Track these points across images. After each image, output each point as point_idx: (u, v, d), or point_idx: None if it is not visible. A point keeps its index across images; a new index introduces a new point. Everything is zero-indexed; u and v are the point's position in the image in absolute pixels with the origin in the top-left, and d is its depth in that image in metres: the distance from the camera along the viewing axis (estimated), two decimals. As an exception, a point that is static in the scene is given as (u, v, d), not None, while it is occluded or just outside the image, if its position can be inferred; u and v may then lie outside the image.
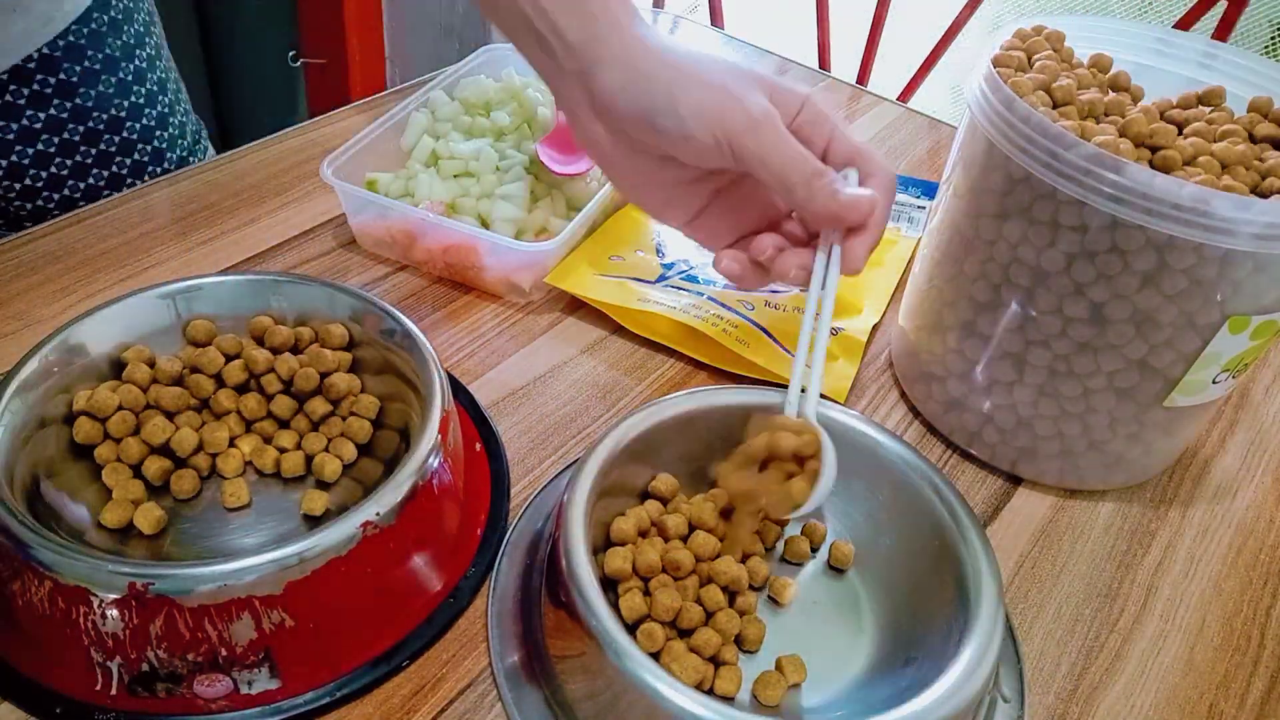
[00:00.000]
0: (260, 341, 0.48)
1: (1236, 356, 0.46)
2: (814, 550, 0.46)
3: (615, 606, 0.40)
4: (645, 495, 0.46)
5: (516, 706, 0.40)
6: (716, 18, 1.17)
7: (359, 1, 1.60)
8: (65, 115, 0.66)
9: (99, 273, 0.59)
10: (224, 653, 0.38)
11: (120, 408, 0.44)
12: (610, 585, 0.42)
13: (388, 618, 0.42)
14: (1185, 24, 0.99)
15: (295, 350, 0.48)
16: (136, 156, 0.71)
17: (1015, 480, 0.54)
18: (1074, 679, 0.45)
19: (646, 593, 0.41)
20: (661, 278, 0.62)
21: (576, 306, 0.61)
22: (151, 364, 0.46)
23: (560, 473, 0.50)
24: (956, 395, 0.53)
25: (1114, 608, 0.48)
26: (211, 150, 0.81)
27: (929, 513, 0.44)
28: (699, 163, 0.42)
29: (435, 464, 0.43)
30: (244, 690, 0.39)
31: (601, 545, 0.43)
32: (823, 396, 0.52)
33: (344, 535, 0.39)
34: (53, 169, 0.67)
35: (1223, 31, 0.98)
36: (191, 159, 0.77)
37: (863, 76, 1.14)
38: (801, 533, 0.46)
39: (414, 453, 0.42)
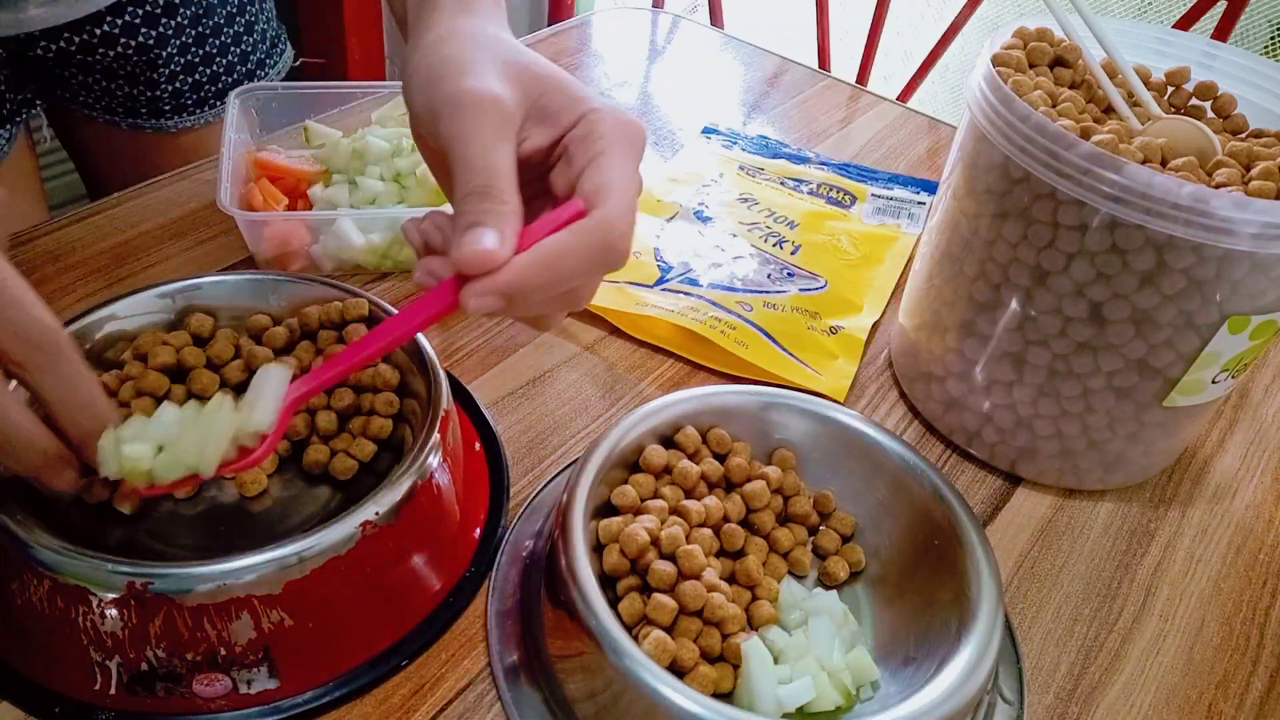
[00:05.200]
0: (259, 339, 0.48)
1: (1236, 356, 0.46)
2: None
3: (615, 606, 0.40)
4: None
5: (515, 706, 0.40)
6: (716, 18, 1.17)
7: (359, 1, 1.60)
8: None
9: (98, 272, 0.59)
10: (223, 652, 0.38)
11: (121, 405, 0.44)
12: (610, 584, 0.42)
13: (387, 617, 0.42)
14: (1185, 24, 0.99)
15: (311, 335, 0.48)
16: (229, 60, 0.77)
17: (1015, 480, 0.54)
18: (1073, 679, 0.45)
19: (644, 589, 0.41)
20: (660, 281, 0.62)
21: (576, 306, 0.61)
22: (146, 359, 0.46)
23: (560, 472, 0.50)
24: (956, 395, 0.53)
25: (1113, 607, 0.48)
26: (290, 52, 0.86)
27: (928, 512, 0.44)
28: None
29: (435, 464, 0.43)
30: (243, 690, 0.39)
31: (603, 513, 0.43)
32: (823, 396, 0.52)
33: (343, 535, 0.39)
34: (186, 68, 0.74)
35: (1223, 31, 0.98)
36: (269, 62, 0.82)
37: (863, 76, 1.14)
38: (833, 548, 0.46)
39: (413, 453, 0.42)
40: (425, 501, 0.42)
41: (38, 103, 0.74)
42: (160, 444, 0.37)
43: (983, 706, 0.41)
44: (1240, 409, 0.61)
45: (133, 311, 0.47)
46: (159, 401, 0.44)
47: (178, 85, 0.74)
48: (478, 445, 0.50)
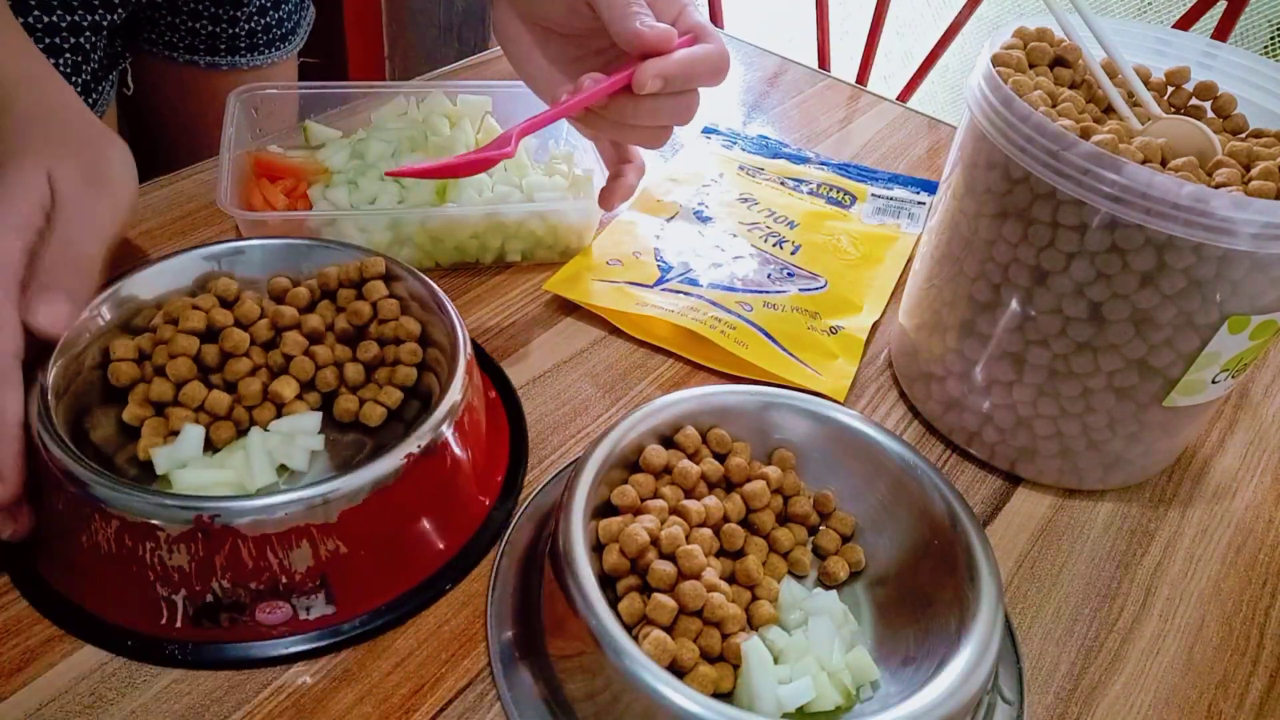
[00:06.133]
0: (281, 300, 0.50)
1: (1236, 356, 0.46)
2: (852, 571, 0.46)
3: (615, 606, 0.40)
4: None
5: (515, 706, 0.40)
6: (716, 18, 1.17)
7: (359, 1, 1.60)
8: None
9: (98, 272, 0.59)
10: (284, 580, 0.40)
11: (158, 369, 0.46)
12: (610, 584, 0.42)
13: (430, 545, 0.45)
14: (1185, 24, 0.99)
15: (331, 294, 0.51)
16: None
17: (1014, 480, 0.54)
18: (1073, 679, 0.45)
19: (644, 589, 0.41)
20: (660, 281, 0.62)
21: (575, 306, 0.61)
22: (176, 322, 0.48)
23: (560, 472, 0.50)
24: (956, 395, 0.53)
25: (1113, 607, 0.48)
26: (313, 11, 0.90)
27: (928, 512, 0.44)
28: (569, 25, 0.53)
29: (465, 402, 0.46)
30: (302, 616, 0.41)
31: (603, 514, 0.43)
32: (822, 396, 0.52)
33: (391, 467, 0.41)
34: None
35: (1223, 31, 0.98)
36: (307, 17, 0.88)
37: (863, 76, 1.14)
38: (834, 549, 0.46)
39: (448, 390, 0.45)
40: (460, 435, 0.45)
41: (127, 55, 0.78)
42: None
43: (983, 706, 0.41)
44: (1240, 409, 0.61)
45: (178, 271, 0.49)
46: (195, 361, 0.46)
47: (253, 25, 0.81)
48: (493, 394, 0.54)
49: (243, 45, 0.81)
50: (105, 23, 0.70)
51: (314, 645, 0.41)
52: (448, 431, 0.44)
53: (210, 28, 0.79)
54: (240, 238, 0.51)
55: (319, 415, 0.47)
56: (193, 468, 0.44)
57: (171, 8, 0.77)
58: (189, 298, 0.48)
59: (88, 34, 0.68)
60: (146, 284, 0.48)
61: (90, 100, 0.71)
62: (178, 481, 0.43)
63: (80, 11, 0.67)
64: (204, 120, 0.83)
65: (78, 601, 0.41)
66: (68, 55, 0.67)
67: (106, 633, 0.40)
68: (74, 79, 0.68)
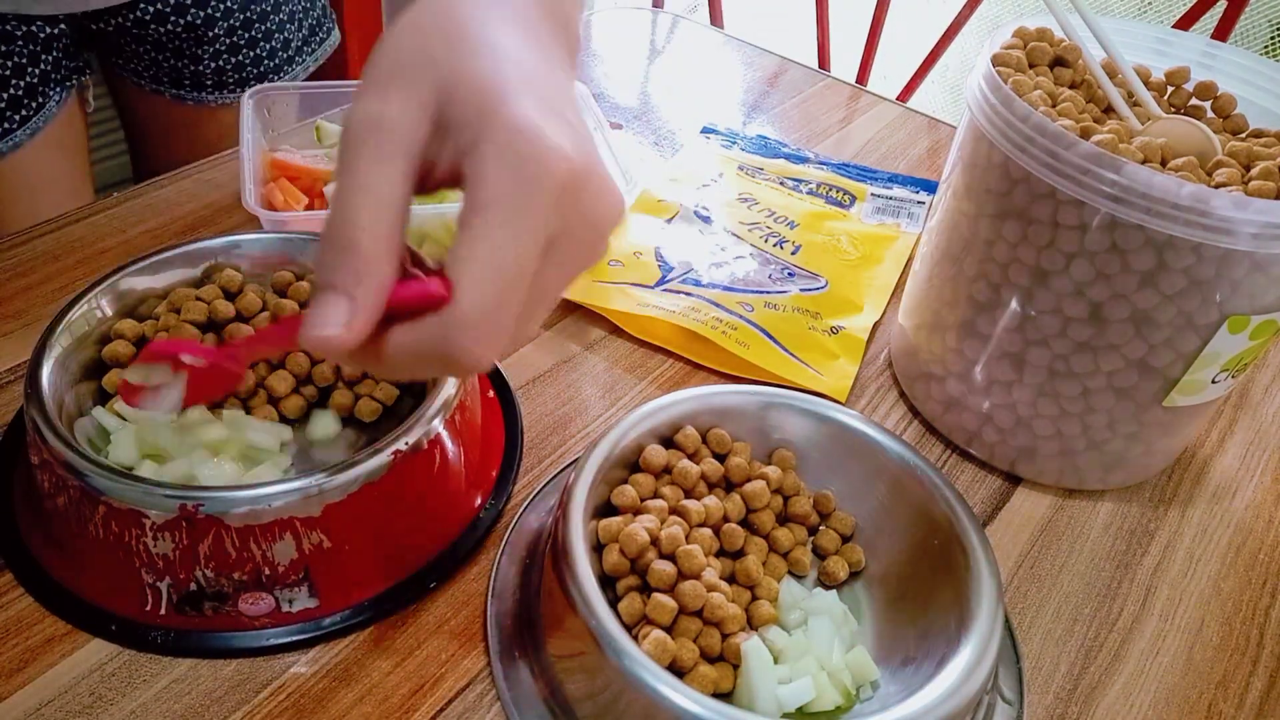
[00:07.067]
0: (283, 294, 0.50)
1: (1235, 356, 0.46)
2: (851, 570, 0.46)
3: (615, 606, 0.40)
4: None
5: (515, 706, 0.40)
6: (716, 18, 1.17)
7: (359, 2, 1.60)
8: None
9: (98, 272, 0.58)
10: (267, 572, 0.40)
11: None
12: (610, 584, 0.42)
13: (416, 543, 0.44)
14: (1185, 24, 1.00)
15: None
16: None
17: (1014, 480, 0.54)
18: (1073, 678, 0.45)
19: (644, 589, 0.41)
20: (661, 282, 0.62)
21: (576, 306, 0.61)
22: (179, 311, 0.48)
23: (560, 472, 0.50)
24: (956, 395, 0.53)
25: (1113, 607, 0.48)
26: (336, 33, 0.90)
27: (928, 512, 0.44)
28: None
29: (458, 400, 0.45)
30: (285, 608, 0.41)
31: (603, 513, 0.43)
32: (823, 396, 0.52)
33: (378, 463, 0.41)
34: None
35: (1223, 31, 0.98)
36: (306, 49, 0.86)
37: (862, 76, 1.14)
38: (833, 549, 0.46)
39: (440, 388, 0.44)
40: (452, 430, 0.45)
41: (88, 70, 0.78)
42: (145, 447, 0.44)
43: (983, 706, 0.41)
44: (1240, 409, 0.61)
45: (177, 265, 0.49)
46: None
47: (220, 64, 0.79)
48: (490, 393, 0.53)
49: (209, 83, 0.80)
50: (43, 35, 0.70)
51: (296, 638, 0.41)
52: (438, 429, 0.44)
53: (173, 61, 0.78)
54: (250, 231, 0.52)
55: (287, 429, 0.47)
56: (128, 434, 0.43)
57: (137, 39, 0.76)
58: (193, 288, 0.49)
59: (34, 37, 0.69)
60: (144, 277, 0.49)
61: (37, 102, 0.71)
62: (115, 440, 0.43)
63: (14, 22, 0.67)
64: (180, 140, 0.83)
65: (68, 586, 0.42)
66: (20, 44, 0.68)
67: (92, 615, 0.41)
68: (32, 67, 0.69)
